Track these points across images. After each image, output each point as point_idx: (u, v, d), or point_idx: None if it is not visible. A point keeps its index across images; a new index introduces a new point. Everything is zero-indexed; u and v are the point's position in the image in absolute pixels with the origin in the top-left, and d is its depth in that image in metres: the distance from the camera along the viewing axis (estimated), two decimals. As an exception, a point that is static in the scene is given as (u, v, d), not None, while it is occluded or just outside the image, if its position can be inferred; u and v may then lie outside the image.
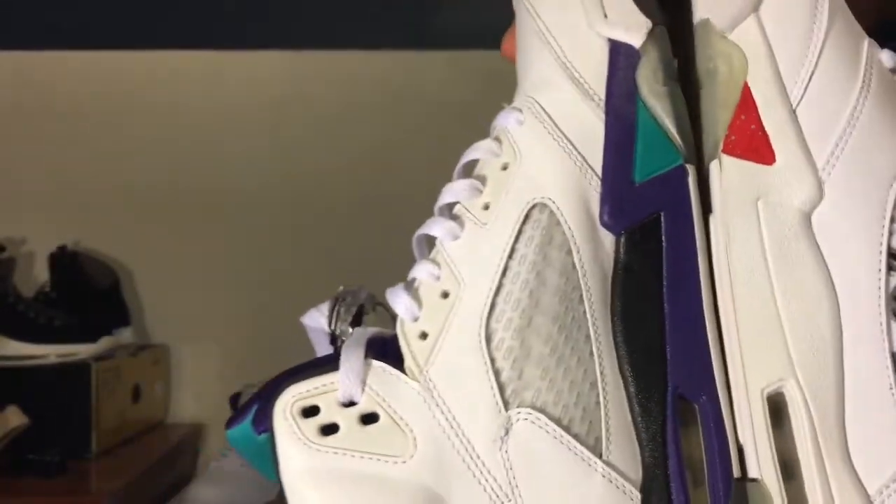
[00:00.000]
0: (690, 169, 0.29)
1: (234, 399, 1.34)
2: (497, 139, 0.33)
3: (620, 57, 0.30)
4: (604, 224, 0.29)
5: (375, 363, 0.30)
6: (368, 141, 1.57)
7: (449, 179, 1.44)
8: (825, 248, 0.27)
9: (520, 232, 0.29)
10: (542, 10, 0.32)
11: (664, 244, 0.28)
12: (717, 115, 0.29)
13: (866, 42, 0.29)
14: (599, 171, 0.29)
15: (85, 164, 1.58)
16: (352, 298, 0.36)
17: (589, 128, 0.30)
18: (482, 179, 0.32)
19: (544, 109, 0.31)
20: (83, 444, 1.24)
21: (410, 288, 0.33)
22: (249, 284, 1.57)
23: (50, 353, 1.28)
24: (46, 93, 1.58)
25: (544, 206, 0.29)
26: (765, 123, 0.28)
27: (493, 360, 0.28)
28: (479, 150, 0.34)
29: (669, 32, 0.31)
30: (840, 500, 0.26)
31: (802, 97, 0.28)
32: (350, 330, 0.34)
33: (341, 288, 0.36)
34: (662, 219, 0.28)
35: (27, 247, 1.55)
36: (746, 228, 0.28)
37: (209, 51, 1.58)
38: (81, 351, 1.29)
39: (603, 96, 0.30)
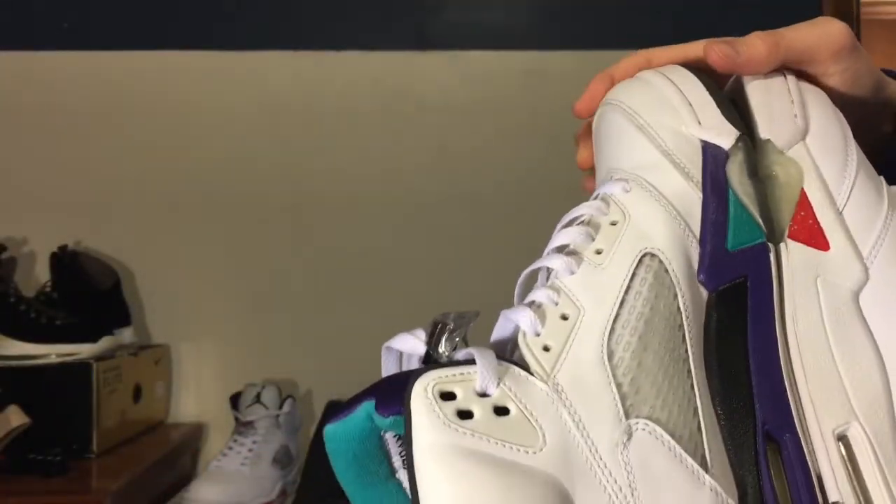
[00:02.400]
0: (771, 246, 0.36)
1: (235, 399, 1.34)
2: (604, 201, 0.38)
3: (712, 153, 0.38)
4: (701, 281, 0.35)
5: (506, 363, 0.34)
6: (368, 141, 1.58)
7: (448, 179, 1.44)
8: (871, 322, 0.34)
9: (634, 273, 0.35)
10: (641, 111, 0.39)
11: (749, 302, 0.35)
12: (783, 210, 0.37)
13: (881, 176, 0.39)
14: (698, 235, 0.36)
15: (86, 165, 1.58)
16: (456, 322, 0.37)
17: (689, 201, 0.36)
18: (594, 229, 0.37)
19: (650, 183, 0.37)
20: (84, 443, 1.25)
21: (532, 306, 0.36)
22: (250, 285, 1.57)
23: (51, 352, 1.29)
24: (48, 93, 1.59)
25: (654, 255, 0.35)
26: (819, 219, 0.36)
27: (614, 375, 0.33)
28: (585, 209, 0.39)
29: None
30: None
31: (846, 204, 0.36)
32: (453, 352, 0.36)
33: (442, 314, 0.37)
34: (748, 282, 0.35)
35: (28, 247, 1.55)
36: (809, 300, 0.35)
37: (209, 51, 1.58)
38: (82, 351, 1.29)
39: (699, 178, 0.37)
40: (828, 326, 0.34)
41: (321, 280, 1.57)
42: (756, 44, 0.42)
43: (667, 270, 0.35)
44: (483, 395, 0.32)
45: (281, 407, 1.32)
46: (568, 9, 1.58)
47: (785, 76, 0.42)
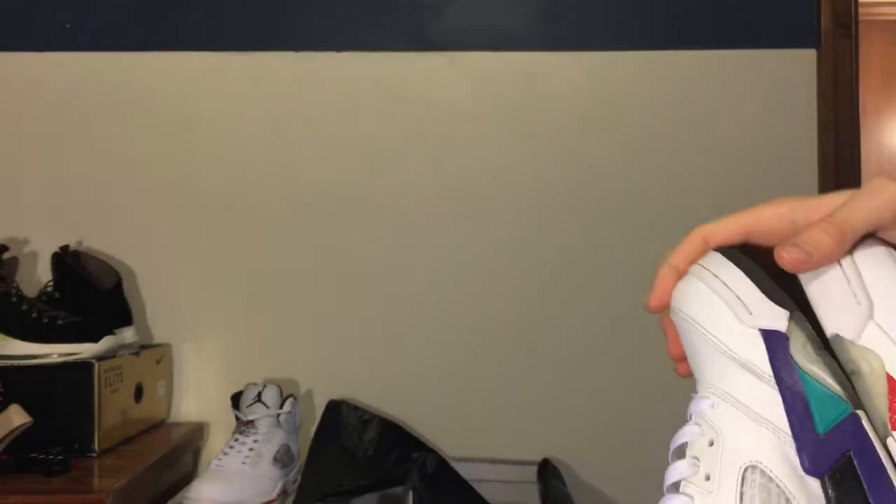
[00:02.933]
0: (861, 413, 0.36)
1: (236, 398, 1.35)
2: (697, 423, 0.39)
3: (773, 340, 0.38)
4: (808, 472, 0.35)
5: None
6: (368, 141, 1.58)
7: (448, 179, 1.44)
8: None
9: (742, 493, 0.36)
10: (697, 317, 0.41)
11: (861, 474, 0.35)
12: (877, 404, 0.36)
13: None
14: (787, 430, 0.36)
15: (87, 165, 1.58)
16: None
17: (768, 398, 0.37)
18: (696, 457, 0.38)
19: (728, 393, 0.38)
20: (86, 442, 1.25)
21: None
22: (250, 284, 1.57)
23: (53, 352, 1.29)
24: (50, 93, 1.59)
25: (754, 467, 0.36)
26: None
27: None
28: (686, 435, 0.40)
29: (801, 310, 0.39)
30: None
31: None
32: None
33: None
34: (853, 456, 0.35)
35: (30, 247, 1.55)
36: None
37: (210, 52, 1.59)
38: (84, 350, 1.30)
39: (769, 372, 0.38)
40: None
41: (321, 280, 1.57)
42: (823, 240, 0.41)
43: (770, 479, 0.35)
44: None
45: (282, 406, 1.33)
46: (567, 9, 1.58)
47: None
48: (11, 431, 1.17)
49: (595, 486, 1.53)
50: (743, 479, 0.36)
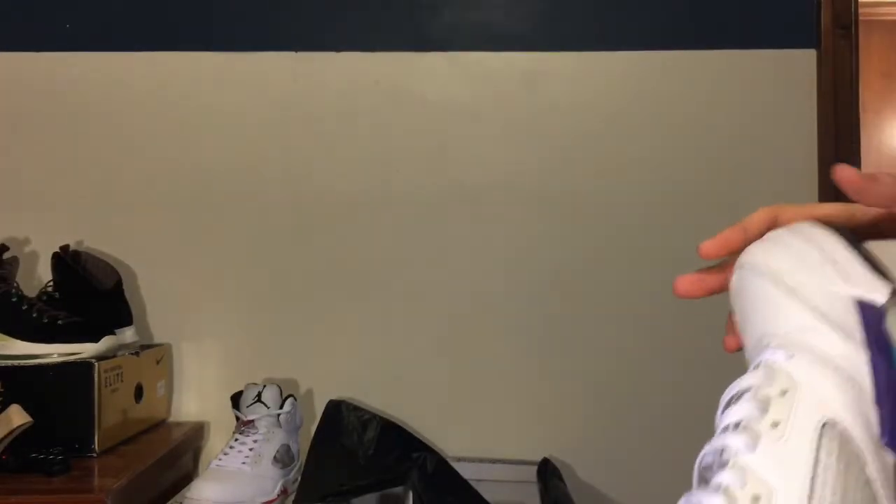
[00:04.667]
0: None
1: (236, 398, 1.35)
2: (768, 369, 0.37)
3: (868, 310, 0.36)
4: (887, 444, 0.34)
5: None
6: (368, 141, 1.58)
7: (448, 179, 1.44)
8: None
9: (819, 445, 0.33)
10: (787, 274, 0.39)
11: None
12: None
13: None
14: (872, 395, 0.35)
15: (88, 165, 1.58)
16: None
17: (855, 362, 0.35)
18: (764, 401, 0.36)
19: (813, 345, 0.36)
20: (86, 442, 1.26)
21: (720, 490, 0.34)
22: (251, 285, 1.58)
23: (53, 352, 1.29)
24: (50, 93, 1.59)
25: (835, 424, 0.34)
26: None
27: None
28: (750, 379, 0.37)
29: None
30: None
31: None
32: None
33: None
34: None
35: (30, 246, 1.56)
36: None
37: (210, 52, 1.59)
38: (84, 350, 1.30)
39: (860, 338, 0.36)
40: None
41: (321, 280, 1.57)
42: (886, 177, 0.44)
43: (850, 439, 0.34)
44: None
45: (282, 406, 1.33)
46: (567, 10, 1.58)
47: None
48: (12, 431, 1.17)
49: (595, 486, 1.53)
50: (822, 433, 0.34)
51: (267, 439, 1.29)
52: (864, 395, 0.35)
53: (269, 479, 1.27)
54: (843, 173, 0.44)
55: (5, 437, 1.16)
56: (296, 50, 1.58)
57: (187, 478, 1.44)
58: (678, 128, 1.56)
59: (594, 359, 1.55)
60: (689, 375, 1.48)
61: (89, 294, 1.42)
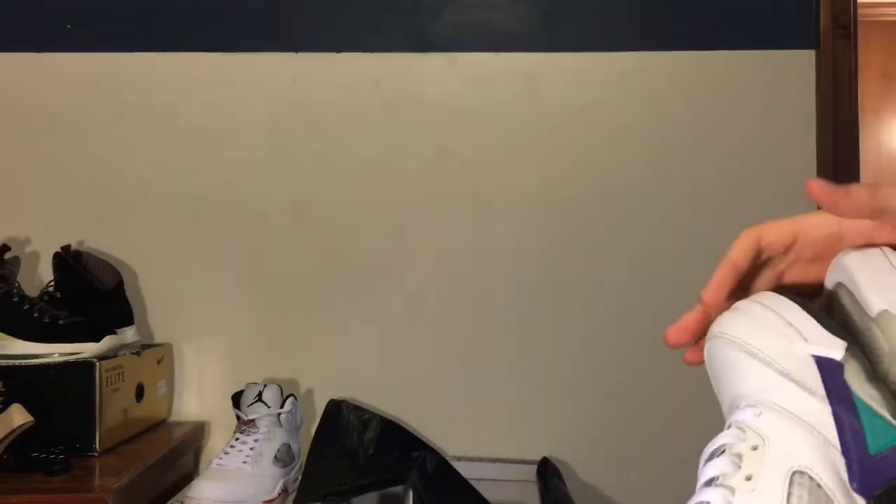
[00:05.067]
0: None
1: (237, 397, 1.35)
2: (739, 428, 0.40)
3: (827, 365, 0.39)
4: (856, 490, 0.35)
5: None
6: (368, 141, 1.58)
7: (448, 179, 1.45)
8: None
9: (789, 493, 0.36)
10: (749, 339, 0.42)
11: None
12: None
13: None
14: (838, 446, 0.37)
15: (88, 165, 1.59)
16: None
17: (820, 412, 0.37)
18: (737, 457, 0.38)
19: (778, 404, 0.39)
20: (87, 441, 1.26)
21: None
22: (251, 284, 1.58)
23: (54, 351, 1.29)
24: (52, 94, 1.59)
25: (803, 472, 0.36)
26: None
27: None
28: (725, 438, 0.40)
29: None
30: None
31: None
32: None
33: None
34: None
35: (31, 246, 1.56)
36: None
37: (211, 53, 1.59)
38: (85, 350, 1.30)
39: (822, 393, 0.38)
40: None
41: (322, 280, 1.57)
42: (858, 189, 0.45)
43: (819, 485, 0.35)
44: None
45: (282, 406, 1.33)
46: (567, 10, 1.58)
47: (882, 250, 0.44)
48: (13, 431, 1.17)
49: (595, 486, 1.54)
50: (791, 482, 0.36)
51: (267, 439, 1.29)
52: (829, 445, 0.37)
53: (270, 479, 1.27)
54: (815, 187, 0.45)
55: (6, 436, 1.16)
56: (296, 50, 1.59)
57: (188, 477, 1.44)
58: (677, 128, 1.56)
59: (594, 359, 1.55)
60: (690, 376, 1.48)
61: (90, 294, 1.42)
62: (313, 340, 1.57)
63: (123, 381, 1.35)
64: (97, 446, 1.26)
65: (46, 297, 1.40)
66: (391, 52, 1.58)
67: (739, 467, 0.37)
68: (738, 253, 0.47)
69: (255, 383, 1.35)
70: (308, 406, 1.51)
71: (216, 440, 1.54)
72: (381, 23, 1.59)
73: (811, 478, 0.36)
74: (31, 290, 1.42)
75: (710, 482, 0.38)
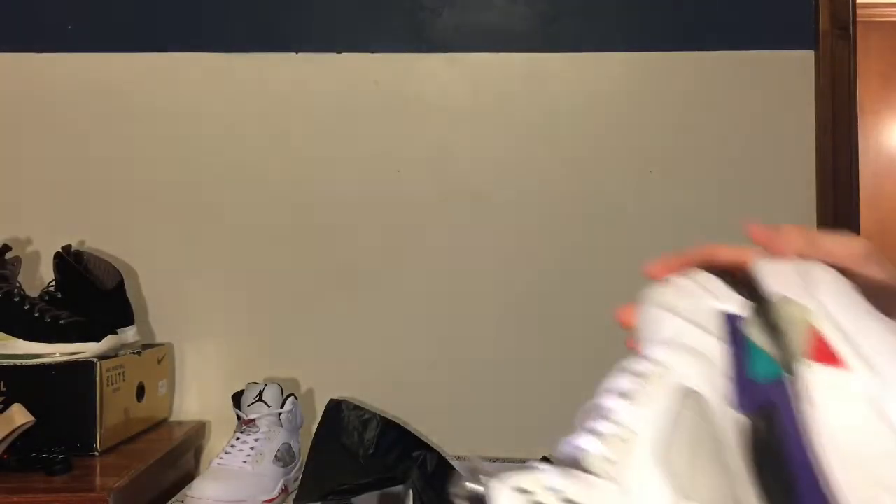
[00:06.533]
0: (787, 376, 0.43)
1: (237, 397, 1.35)
2: (647, 359, 0.47)
3: (730, 319, 0.46)
4: (737, 407, 0.43)
5: (574, 469, 0.43)
6: (368, 141, 1.59)
7: (448, 179, 1.45)
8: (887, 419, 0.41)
9: (682, 405, 0.43)
10: (668, 299, 0.49)
11: (784, 425, 0.42)
12: (798, 330, 0.44)
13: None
14: (727, 372, 0.44)
15: (89, 165, 1.59)
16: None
17: (715, 348, 0.45)
18: (644, 379, 0.46)
19: (683, 342, 0.46)
20: (88, 441, 1.26)
21: (594, 433, 0.45)
22: (252, 284, 1.58)
23: (55, 351, 1.30)
24: (52, 94, 1.60)
25: (694, 391, 0.44)
26: (830, 342, 0.43)
27: (670, 482, 0.41)
28: (635, 364, 0.47)
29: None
30: None
31: (857, 331, 0.43)
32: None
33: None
34: (778, 409, 0.42)
35: (32, 246, 1.56)
36: (832, 414, 0.42)
37: (211, 53, 1.59)
38: (86, 350, 1.30)
39: (720, 335, 0.46)
40: (853, 435, 0.41)
41: (322, 280, 1.58)
42: (793, 230, 0.52)
43: (707, 402, 0.43)
44: (554, 489, 0.42)
45: (283, 405, 1.33)
46: (567, 10, 1.59)
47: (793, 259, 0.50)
48: (14, 431, 1.17)
49: (594, 485, 1.54)
50: (684, 396, 0.43)
51: (268, 438, 1.29)
52: (719, 372, 0.44)
53: (270, 478, 1.27)
54: (751, 229, 0.52)
55: (7, 436, 1.17)
56: (296, 50, 1.59)
57: (188, 477, 1.44)
58: (676, 128, 1.57)
59: (595, 358, 1.55)
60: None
61: (91, 294, 1.42)
62: (314, 340, 1.57)
63: (124, 380, 1.35)
64: (98, 446, 1.26)
65: (47, 297, 1.41)
66: (391, 52, 1.59)
67: (643, 384, 0.45)
68: (719, 255, 0.52)
69: (256, 383, 1.35)
70: (308, 406, 1.51)
71: (216, 440, 1.54)
72: (381, 23, 1.60)
73: (700, 396, 0.43)
74: (32, 290, 1.42)
75: (614, 392, 0.47)
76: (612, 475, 0.42)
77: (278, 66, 1.59)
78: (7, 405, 1.20)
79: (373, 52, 1.59)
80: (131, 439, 1.37)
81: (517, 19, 1.59)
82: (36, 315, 1.32)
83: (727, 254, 0.53)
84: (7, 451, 1.17)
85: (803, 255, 0.50)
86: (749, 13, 1.57)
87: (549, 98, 1.58)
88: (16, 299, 1.33)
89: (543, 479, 0.42)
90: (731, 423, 0.43)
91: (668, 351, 0.46)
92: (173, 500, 1.25)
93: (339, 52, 1.59)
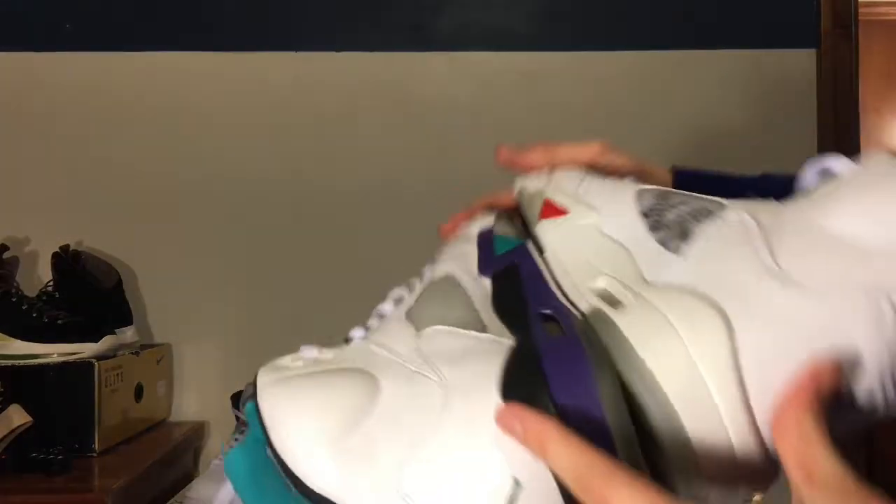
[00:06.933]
0: (527, 241, 0.53)
1: (236, 397, 1.35)
2: (430, 264, 0.60)
3: (485, 228, 0.59)
4: (483, 275, 0.52)
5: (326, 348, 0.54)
6: (368, 141, 1.58)
7: (448, 179, 1.44)
8: (610, 233, 0.49)
9: (446, 291, 0.53)
10: (461, 231, 0.65)
11: (522, 270, 0.50)
12: (536, 207, 0.55)
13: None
14: (476, 253, 0.55)
15: (88, 165, 1.59)
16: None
17: (470, 242, 0.57)
18: (421, 275, 0.59)
19: (455, 250, 0.58)
20: (86, 442, 1.26)
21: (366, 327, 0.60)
22: (251, 284, 1.58)
23: (53, 352, 1.29)
24: (50, 94, 1.59)
25: (451, 274, 0.54)
26: (556, 202, 0.54)
27: (419, 319, 0.52)
28: (426, 269, 0.59)
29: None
30: None
31: (581, 191, 0.54)
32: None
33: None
34: (520, 263, 0.50)
35: (30, 246, 1.56)
36: (565, 241, 0.51)
37: (210, 52, 1.59)
38: (84, 350, 1.30)
39: (476, 237, 0.58)
40: (575, 246, 0.49)
41: (322, 280, 1.57)
42: (535, 150, 0.66)
43: (460, 283, 0.52)
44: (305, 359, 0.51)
45: (282, 406, 1.33)
46: (567, 9, 1.58)
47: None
48: (11, 431, 1.17)
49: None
50: (444, 280, 0.53)
51: (267, 439, 1.29)
52: (470, 258, 0.54)
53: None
54: (498, 152, 0.68)
55: (5, 436, 1.16)
56: (296, 50, 1.59)
57: (187, 477, 1.44)
58: (677, 128, 1.56)
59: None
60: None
61: (89, 294, 1.42)
62: (313, 340, 1.56)
63: (122, 381, 1.35)
64: (96, 446, 1.26)
65: (45, 297, 1.40)
66: (391, 51, 1.58)
67: (422, 279, 0.58)
68: (499, 200, 0.67)
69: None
70: (308, 406, 1.51)
71: (216, 440, 1.54)
72: (381, 23, 1.59)
73: (456, 278, 0.52)
74: (30, 290, 1.42)
75: (391, 298, 0.61)
76: (374, 337, 0.55)
77: (278, 66, 1.58)
78: (5, 406, 1.20)
79: (373, 50, 1.58)
80: (130, 440, 1.37)
81: (517, 19, 1.59)
82: (34, 315, 1.31)
83: (505, 197, 0.65)
84: (5, 451, 1.17)
85: (551, 167, 0.60)
86: (750, 12, 1.56)
87: (549, 98, 1.57)
88: (13, 299, 1.33)
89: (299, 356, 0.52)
90: (481, 293, 0.50)
91: (441, 259, 0.57)
92: (172, 500, 1.24)
93: (339, 51, 1.58)
